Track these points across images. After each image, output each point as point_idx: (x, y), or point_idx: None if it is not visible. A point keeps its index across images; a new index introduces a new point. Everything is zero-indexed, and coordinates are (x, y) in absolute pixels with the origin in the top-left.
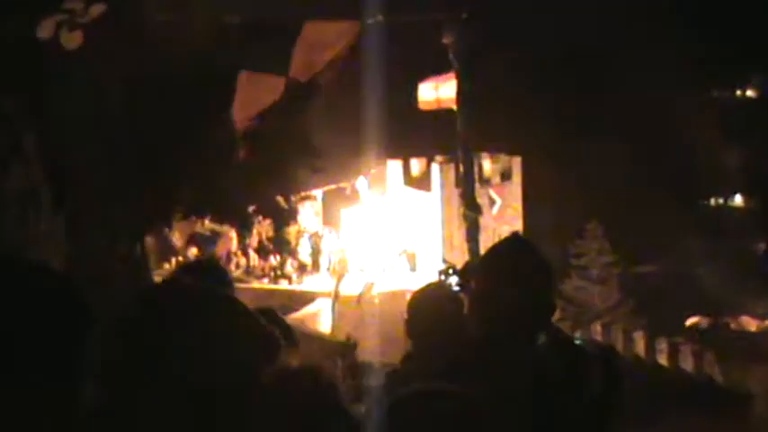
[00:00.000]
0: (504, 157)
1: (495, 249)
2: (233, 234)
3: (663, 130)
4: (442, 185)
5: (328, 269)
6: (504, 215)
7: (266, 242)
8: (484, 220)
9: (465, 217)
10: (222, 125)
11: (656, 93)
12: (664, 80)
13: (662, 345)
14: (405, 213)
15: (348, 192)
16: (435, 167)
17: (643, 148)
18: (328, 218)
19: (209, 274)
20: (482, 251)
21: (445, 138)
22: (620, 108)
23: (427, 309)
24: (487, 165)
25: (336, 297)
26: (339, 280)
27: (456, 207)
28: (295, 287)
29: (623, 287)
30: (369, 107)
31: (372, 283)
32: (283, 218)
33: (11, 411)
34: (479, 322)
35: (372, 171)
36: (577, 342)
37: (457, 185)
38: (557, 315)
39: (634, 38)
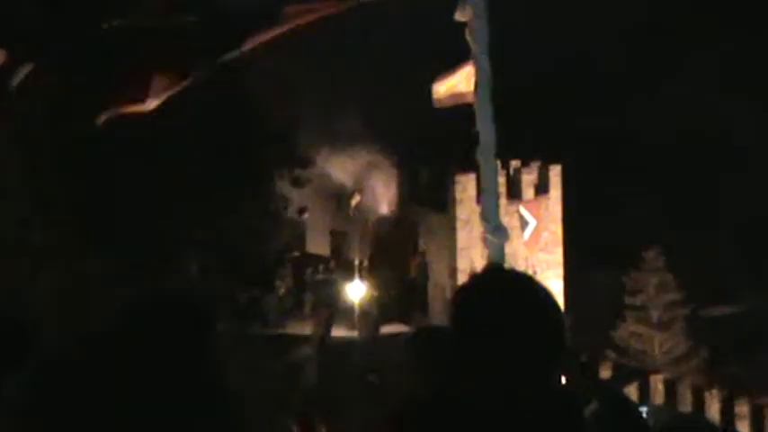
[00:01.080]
0: (539, 165)
1: (466, 289)
2: None
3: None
4: (459, 203)
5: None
6: (538, 239)
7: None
8: (512, 247)
9: (485, 244)
10: None
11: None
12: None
13: (742, 407)
14: (404, 238)
15: (342, 207)
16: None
17: (716, 154)
18: (313, 237)
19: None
20: None
21: (463, 142)
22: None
23: None
24: (518, 175)
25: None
26: (327, 321)
27: (477, 229)
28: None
29: (692, 333)
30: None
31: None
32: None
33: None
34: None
35: (370, 182)
36: (641, 410)
37: (478, 202)
38: (607, 370)
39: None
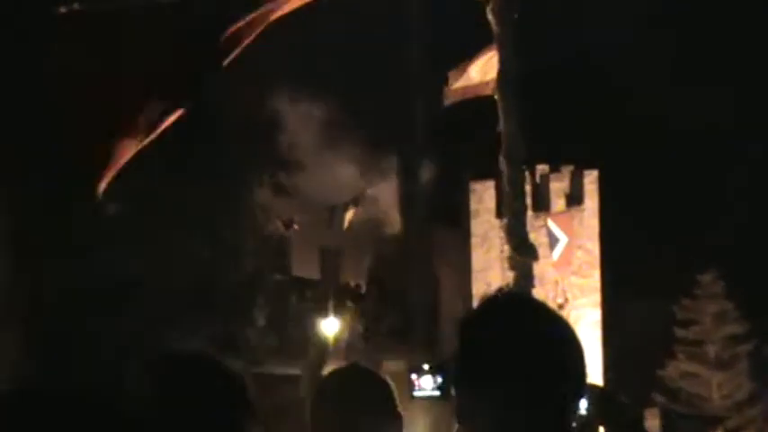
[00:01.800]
0: (571, 170)
1: (468, 321)
2: None
3: None
4: (475, 216)
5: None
6: (570, 260)
7: None
8: (538, 269)
9: (511, 264)
10: None
11: None
12: None
13: None
14: (409, 259)
15: (335, 221)
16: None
17: None
18: (299, 256)
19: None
20: None
21: (480, 145)
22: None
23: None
24: (545, 182)
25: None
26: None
27: (496, 248)
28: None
29: (757, 374)
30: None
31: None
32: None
33: None
34: None
35: (368, 191)
36: None
37: (499, 215)
38: (654, 418)
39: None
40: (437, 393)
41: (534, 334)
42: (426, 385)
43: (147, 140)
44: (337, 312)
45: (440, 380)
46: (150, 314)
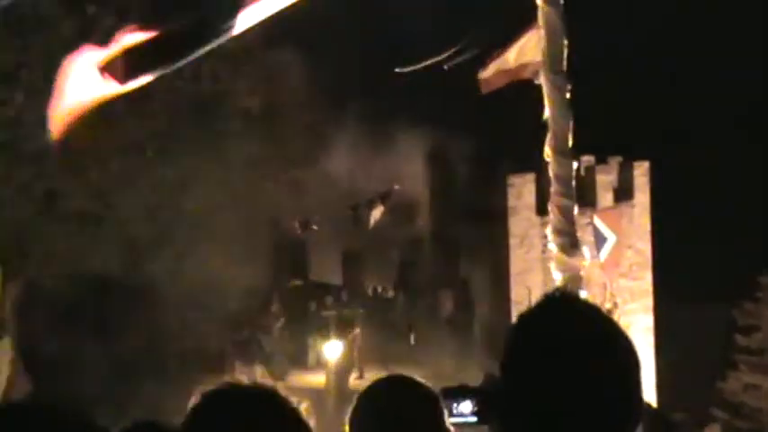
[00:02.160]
0: (619, 162)
1: (518, 326)
2: None
3: None
4: (513, 213)
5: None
6: (619, 260)
7: None
8: (586, 270)
9: (558, 266)
10: None
11: None
12: None
13: None
14: (439, 262)
15: (358, 220)
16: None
17: None
18: (319, 260)
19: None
20: None
21: (519, 134)
22: None
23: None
24: (591, 175)
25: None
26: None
27: (537, 248)
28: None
29: None
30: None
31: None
32: None
33: None
34: None
35: (396, 187)
36: None
37: (540, 212)
38: None
39: None
40: (474, 419)
41: (603, 345)
42: (465, 409)
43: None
44: (340, 335)
45: (478, 404)
46: (156, 321)
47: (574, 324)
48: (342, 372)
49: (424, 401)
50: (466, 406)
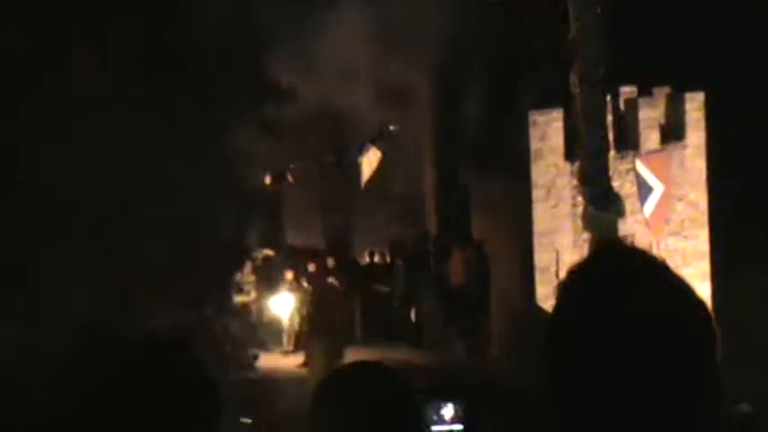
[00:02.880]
0: (667, 93)
1: (573, 279)
2: None
3: None
4: (536, 158)
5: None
6: (667, 215)
7: None
8: (627, 228)
9: (589, 222)
10: None
11: None
12: None
13: None
14: (446, 219)
15: (345, 170)
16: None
17: None
18: (297, 219)
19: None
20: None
21: (542, 62)
22: None
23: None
24: (632, 110)
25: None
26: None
27: (567, 201)
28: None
29: None
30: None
31: None
32: None
33: None
34: None
35: (391, 128)
36: None
37: (568, 156)
38: None
39: None
40: (459, 427)
41: (672, 295)
42: (447, 415)
43: None
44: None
45: (461, 407)
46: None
47: (643, 286)
48: (329, 355)
49: (395, 392)
50: (448, 411)
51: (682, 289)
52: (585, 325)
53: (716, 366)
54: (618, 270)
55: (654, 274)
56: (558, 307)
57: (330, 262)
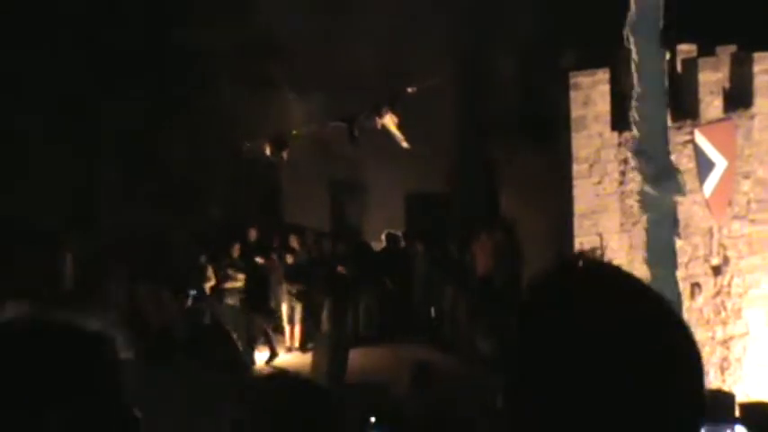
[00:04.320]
0: (732, 53)
1: (530, 297)
2: None
3: None
4: (578, 126)
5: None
6: (732, 195)
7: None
8: (684, 210)
9: (642, 202)
10: None
11: None
12: None
13: None
14: (470, 196)
15: (355, 138)
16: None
17: None
18: (296, 194)
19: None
20: (680, 283)
21: (586, 13)
22: None
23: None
24: (691, 71)
25: None
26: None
27: (613, 178)
28: None
29: None
30: None
31: None
32: None
33: None
34: None
35: (408, 90)
36: None
37: (616, 125)
38: None
39: None
40: None
41: (625, 330)
42: None
43: None
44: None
45: None
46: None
47: (599, 309)
48: (334, 352)
49: (317, 404)
50: None
51: (650, 303)
52: (545, 350)
53: (693, 382)
54: (581, 287)
55: (622, 291)
56: (515, 331)
57: (341, 248)
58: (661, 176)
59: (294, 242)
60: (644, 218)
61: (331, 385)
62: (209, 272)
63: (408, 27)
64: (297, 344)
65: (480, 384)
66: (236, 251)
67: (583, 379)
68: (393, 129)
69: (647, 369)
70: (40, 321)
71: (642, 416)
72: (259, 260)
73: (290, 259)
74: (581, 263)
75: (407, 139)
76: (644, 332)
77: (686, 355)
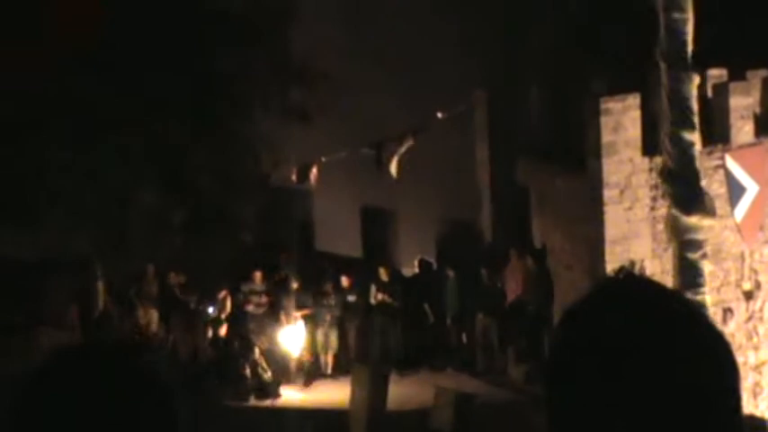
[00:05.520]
0: (764, 77)
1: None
2: None
3: None
4: (609, 152)
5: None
6: (763, 218)
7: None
8: (715, 235)
9: (673, 228)
10: None
11: None
12: None
13: None
14: (501, 222)
15: (385, 166)
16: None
17: None
18: (328, 222)
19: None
20: (711, 308)
21: (615, 40)
22: None
23: None
24: (722, 95)
25: None
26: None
27: (644, 203)
28: None
29: None
30: None
31: None
32: None
33: None
34: None
35: (439, 115)
36: None
37: (646, 150)
38: None
39: None
40: None
41: (669, 348)
42: None
43: None
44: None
45: None
46: None
47: (642, 329)
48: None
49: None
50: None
51: (699, 324)
52: (590, 371)
53: (737, 405)
54: (625, 306)
55: (667, 309)
56: (556, 352)
57: (384, 274)
58: (691, 201)
59: (344, 281)
60: (674, 242)
61: (372, 415)
62: (226, 298)
63: (438, 54)
64: (329, 371)
65: (520, 414)
66: (257, 278)
67: (630, 397)
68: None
69: (697, 390)
70: (104, 354)
71: None
72: (294, 285)
73: (329, 287)
74: (626, 278)
75: (436, 165)
76: (695, 352)
77: (732, 379)
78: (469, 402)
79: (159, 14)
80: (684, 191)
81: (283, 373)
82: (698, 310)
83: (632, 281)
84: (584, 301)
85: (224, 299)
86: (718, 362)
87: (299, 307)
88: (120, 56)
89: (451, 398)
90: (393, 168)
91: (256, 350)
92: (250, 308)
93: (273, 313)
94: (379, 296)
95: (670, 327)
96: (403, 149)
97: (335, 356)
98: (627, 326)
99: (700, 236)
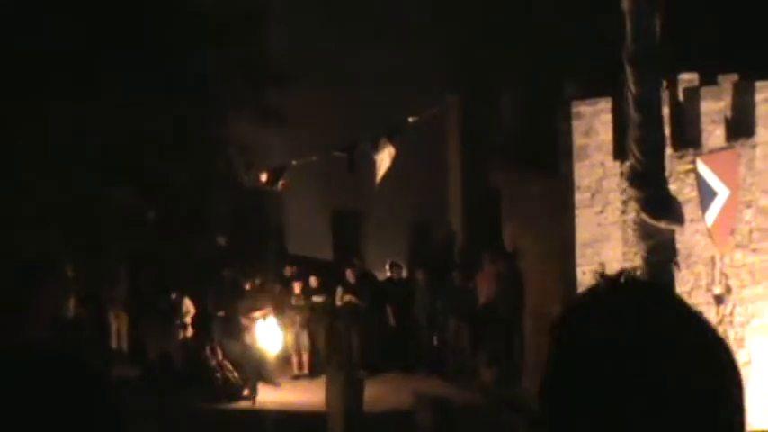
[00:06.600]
0: (734, 82)
1: (569, 317)
2: None
3: None
4: (580, 155)
5: None
6: (733, 222)
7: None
8: (686, 239)
9: (641, 232)
10: None
11: None
12: None
13: None
14: (473, 226)
15: (357, 168)
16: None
17: None
18: (299, 225)
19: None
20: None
21: (585, 43)
22: None
23: None
24: (693, 100)
25: None
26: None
27: (615, 207)
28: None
29: None
30: None
31: None
32: None
33: None
34: None
35: (410, 119)
36: None
37: (618, 155)
38: None
39: None
40: None
41: (667, 350)
42: None
43: None
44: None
45: None
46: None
47: (646, 326)
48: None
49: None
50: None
51: (697, 325)
52: (587, 374)
53: (738, 406)
54: (620, 307)
55: (664, 310)
56: (552, 354)
57: (350, 276)
58: (658, 205)
59: (313, 282)
60: (642, 246)
61: (349, 418)
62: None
63: (410, 57)
64: (306, 371)
65: (492, 416)
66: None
67: (632, 400)
68: (381, 162)
69: (701, 389)
70: (45, 355)
71: None
72: (245, 287)
73: (297, 288)
74: (624, 279)
75: (407, 168)
76: (698, 352)
77: (734, 377)
78: (448, 406)
79: (131, 13)
80: (651, 195)
81: (259, 373)
82: (699, 313)
83: (633, 282)
84: (584, 304)
85: (189, 304)
86: (720, 363)
87: (255, 308)
88: (91, 56)
89: (428, 402)
90: (379, 175)
91: (219, 353)
92: (217, 311)
93: (234, 316)
94: (346, 297)
95: (672, 329)
96: (388, 160)
97: (310, 356)
98: (630, 329)
99: (668, 240)
